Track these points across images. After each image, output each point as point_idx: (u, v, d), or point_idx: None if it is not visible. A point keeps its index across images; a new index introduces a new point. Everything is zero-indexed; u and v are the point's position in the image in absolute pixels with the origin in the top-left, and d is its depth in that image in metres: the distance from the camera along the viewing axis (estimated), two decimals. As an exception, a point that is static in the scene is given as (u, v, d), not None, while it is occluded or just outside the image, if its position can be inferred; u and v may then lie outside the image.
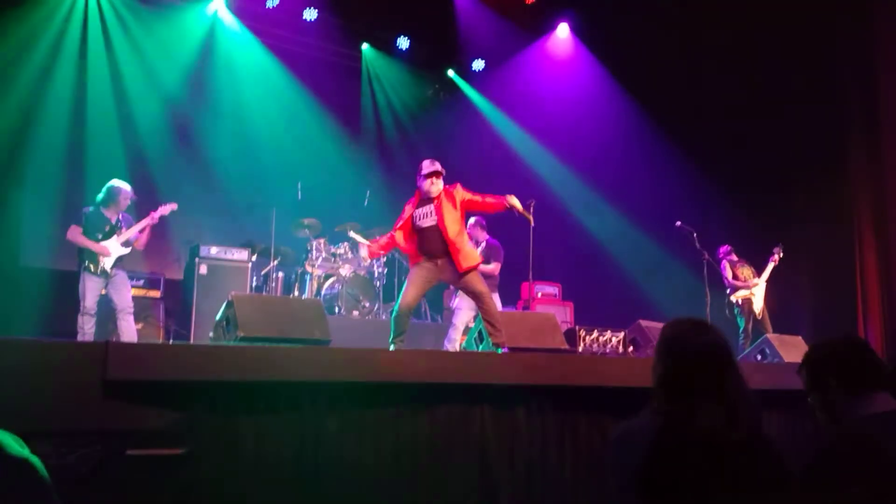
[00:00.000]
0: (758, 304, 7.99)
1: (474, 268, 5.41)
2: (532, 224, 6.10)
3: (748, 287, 7.99)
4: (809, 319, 8.88)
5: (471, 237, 7.81)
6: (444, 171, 5.53)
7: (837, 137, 8.64)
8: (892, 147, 8.17)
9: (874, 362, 2.18)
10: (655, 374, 2.03)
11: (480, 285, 5.41)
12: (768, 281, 8.09)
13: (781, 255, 8.10)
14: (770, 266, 8.08)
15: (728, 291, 8.12)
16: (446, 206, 5.43)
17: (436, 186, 5.46)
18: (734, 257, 8.27)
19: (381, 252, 6.10)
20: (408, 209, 5.58)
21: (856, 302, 8.35)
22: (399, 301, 5.36)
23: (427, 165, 5.54)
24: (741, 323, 7.98)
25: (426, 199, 5.51)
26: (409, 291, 5.36)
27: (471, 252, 5.51)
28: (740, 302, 8.02)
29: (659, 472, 1.86)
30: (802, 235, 9.03)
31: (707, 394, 1.91)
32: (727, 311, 8.03)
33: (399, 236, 5.57)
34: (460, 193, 5.50)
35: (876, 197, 8.32)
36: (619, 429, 2.00)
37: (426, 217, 5.47)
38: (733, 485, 1.84)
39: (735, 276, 8.11)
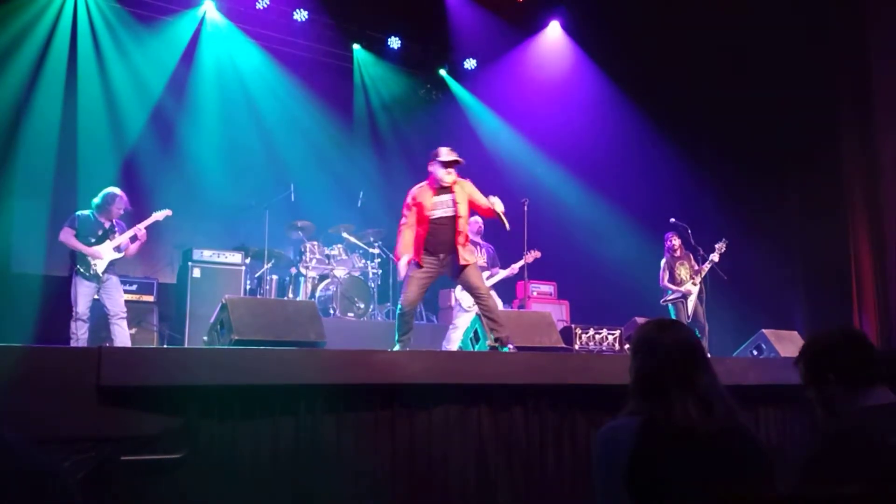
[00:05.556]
0: (691, 305, 7.82)
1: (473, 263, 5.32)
2: (508, 229, 5.57)
3: (681, 292, 7.82)
4: (804, 312, 8.89)
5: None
6: (462, 161, 5.30)
7: (829, 125, 8.63)
8: (884, 134, 8.15)
9: (873, 355, 2.17)
10: (631, 375, 2.12)
11: (480, 280, 5.30)
12: (703, 281, 7.86)
13: (724, 250, 7.81)
14: (707, 266, 7.81)
15: (663, 290, 7.98)
16: (461, 198, 5.25)
17: (451, 176, 5.26)
18: (679, 252, 7.93)
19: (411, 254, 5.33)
20: (423, 198, 5.26)
21: (850, 293, 8.34)
22: (402, 299, 5.21)
23: (446, 153, 5.28)
24: None
25: (442, 189, 5.27)
26: (413, 289, 5.18)
27: (470, 247, 5.43)
28: (674, 303, 7.90)
29: (644, 468, 1.91)
30: (795, 226, 9.03)
31: (680, 388, 1.98)
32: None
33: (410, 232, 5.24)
34: (469, 187, 5.35)
35: (869, 187, 8.31)
36: (602, 430, 2.05)
37: (442, 207, 5.25)
38: (715, 475, 1.89)
39: (672, 278, 7.91)
